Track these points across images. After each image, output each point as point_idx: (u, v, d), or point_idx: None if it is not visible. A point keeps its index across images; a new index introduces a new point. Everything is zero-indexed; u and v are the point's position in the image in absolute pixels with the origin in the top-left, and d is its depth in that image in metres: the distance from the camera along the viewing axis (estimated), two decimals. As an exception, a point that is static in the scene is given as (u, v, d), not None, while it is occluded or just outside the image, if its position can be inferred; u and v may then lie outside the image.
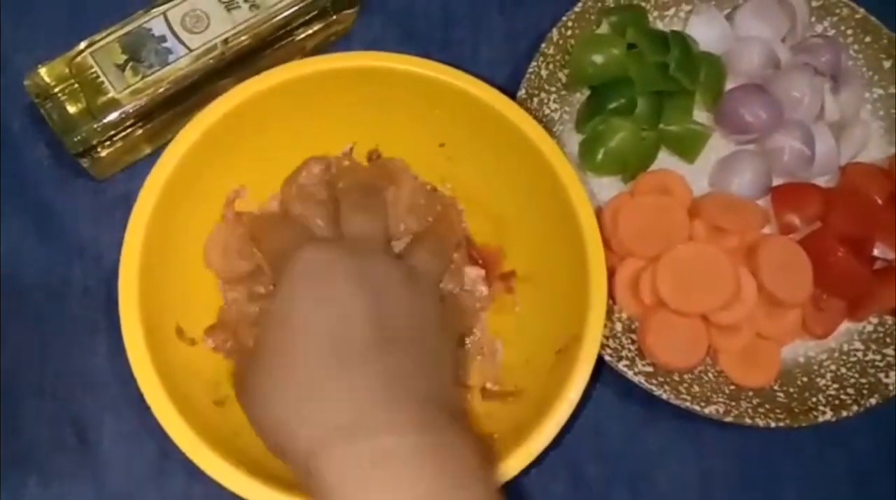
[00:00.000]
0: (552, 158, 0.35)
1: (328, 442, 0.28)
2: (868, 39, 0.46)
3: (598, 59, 0.43)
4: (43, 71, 0.37)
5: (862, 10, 0.46)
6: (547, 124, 0.42)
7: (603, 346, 0.38)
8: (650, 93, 0.43)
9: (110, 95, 0.37)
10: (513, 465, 0.31)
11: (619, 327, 0.40)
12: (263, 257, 0.37)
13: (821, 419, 0.40)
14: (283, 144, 0.38)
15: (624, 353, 0.40)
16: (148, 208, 0.33)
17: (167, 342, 0.33)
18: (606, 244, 0.36)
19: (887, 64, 0.46)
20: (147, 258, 0.33)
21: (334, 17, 0.42)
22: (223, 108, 0.35)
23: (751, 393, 0.40)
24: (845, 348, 0.43)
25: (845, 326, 0.43)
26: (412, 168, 0.40)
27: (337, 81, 0.36)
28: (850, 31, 0.46)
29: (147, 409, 0.37)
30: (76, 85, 0.37)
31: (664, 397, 0.39)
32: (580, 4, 0.44)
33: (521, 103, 0.41)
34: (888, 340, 0.42)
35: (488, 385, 0.38)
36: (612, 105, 0.42)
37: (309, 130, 0.38)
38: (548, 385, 0.33)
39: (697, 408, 0.39)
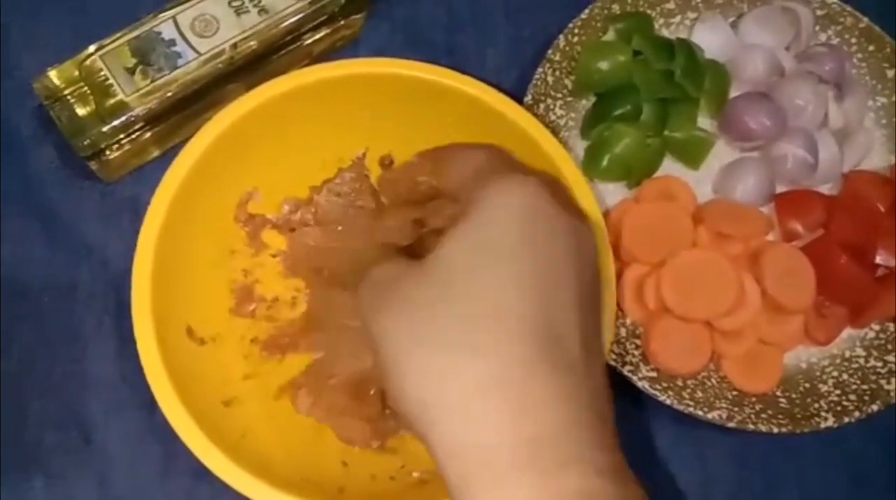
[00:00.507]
0: (562, 165, 0.36)
1: (514, 468, 0.21)
2: (872, 48, 0.46)
3: (603, 65, 0.43)
4: (52, 73, 0.38)
5: (866, 20, 0.46)
6: (553, 130, 0.42)
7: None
8: (655, 100, 0.43)
9: (119, 97, 0.38)
10: None
11: (623, 332, 0.41)
12: (447, 186, 0.30)
13: (823, 425, 0.40)
14: (295, 148, 0.38)
15: (628, 358, 0.40)
16: (162, 210, 0.33)
17: (177, 342, 0.34)
18: (612, 250, 0.36)
19: (890, 73, 0.46)
20: (159, 259, 0.33)
21: (342, 22, 0.42)
22: (238, 111, 0.35)
23: (753, 399, 0.41)
24: (847, 354, 0.43)
25: (847, 332, 0.43)
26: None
27: (350, 87, 0.37)
28: (853, 41, 0.47)
29: (153, 410, 0.38)
30: (85, 88, 0.38)
31: (667, 402, 0.39)
32: (586, 11, 0.44)
33: (528, 109, 0.41)
34: (889, 346, 0.43)
35: None
36: (618, 112, 0.43)
37: (321, 135, 0.38)
38: None
39: (700, 413, 0.39)
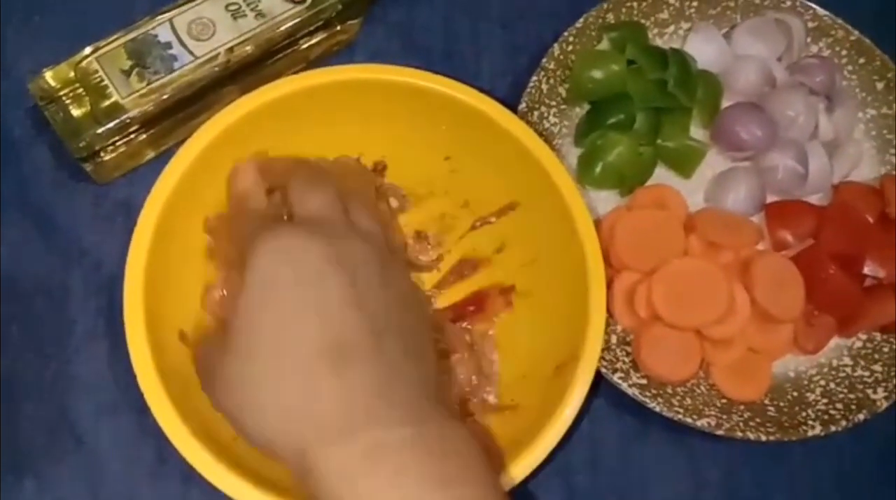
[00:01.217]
0: (554, 173, 0.36)
1: (323, 441, 0.27)
2: (862, 61, 0.47)
3: (597, 74, 0.43)
4: (48, 74, 0.38)
5: (857, 33, 0.47)
6: (546, 138, 0.42)
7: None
8: (648, 109, 0.43)
9: (115, 100, 0.38)
10: (508, 480, 0.32)
11: (613, 339, 0.41)
12: (224, 260, 0.35)
13: (810, 433, 0.40)
14: (289, 153, 0.38)
15: (618, 365, 0.40)
16: (154, 215, 0.33)
17: (170, 346, 0.34)
18: (603, 257, 0.36)
19: (880, 85, 0.47)
20: (152, 264, 0.33)
21: (339, 27, 0.42)
22: (231, 117, 0.35)
23: (742, 407, 0.41)
24: (835, 363, 0.43)
25: (835, 342, 0.44)
26: (412, 179, 0.41)
27: (343, 93, 0.37)
28: (844, 53, 0.47)
29: (144, 413, 0.37)
30: (81, 89, 0.38)
31: (657, 409, 0.39)
32: (581, 20, 0.44)
33: (522, 117, 0.41)
34: (877, 356, 0.43)
35: (488, 399, 0.38)
36: (611, 120, 0.43)
37: (315, 141, 0.38)
38: (545, 401, 0.34)
39: (690, 421, 0.39)
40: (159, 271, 0.33)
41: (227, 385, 0.30)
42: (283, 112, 0.36)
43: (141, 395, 0.32)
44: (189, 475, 0.31)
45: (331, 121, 0.38)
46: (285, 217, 0.34)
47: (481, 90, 0.37)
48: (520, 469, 0.32)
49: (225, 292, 0.36)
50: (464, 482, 0.27)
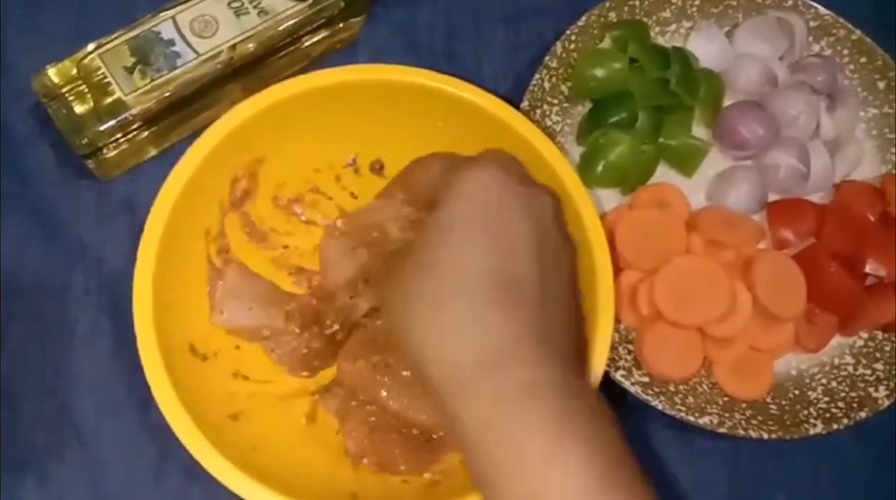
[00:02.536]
0: (559, 169, 0.36)
1: (481, 366, 0.28)
2: (863, 60, 0.47)
3: (599, 72, 0.44)
4: (51, 71, 0.38)
5: (858, 32, 0.47)
6: (548, 136, 0.42)
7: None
8: (650, 107, 0.43)
9: (117, 96, 0.38)
10: None
11: (615, 337, 0.41)
12: (413, 196, 0.37)
13: (812, 431, 0.40)
14: (287, 154, 0.38)
15: (621, 363, 0.40)
16: (156, 237, 0.33)
17: (181, 360, 0.34)
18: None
19: (881, 84, 0.47)
20: (160, 278, 0.33)
21: (341, 25, 0.42)
22: (231, 123, 0.35)
23: (744, 405, 0.41)
24: (836, 362, 0.43)
25: (836, 340, 0.44)
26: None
27: (341, 94, 0.37)
28: (846, 52, 0.47)
29: (146, 410, 0.38)
30: (84, 86, 0.38)
31: (659, 407, 0.39)
32: (583, 18, 0.45)
33: (524, 115, 0.41)
34: (878, 355, 0.43)
35: None
36: (613, 119, 0.43)
37: (313, 141, 0.38)
38: None
39: (692, 419, 0.39)
40: (167, 287, 0.33)
41: (405, 300, 0.30)
42: (284, 114, 0.36)
43: (143, 391, 0.32)
44: (191, 471, 0.31)
45: (326, 123, 0.38)
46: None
47: (483, 89, 0.37)
48: None
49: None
50: (596, 433, 0.28)
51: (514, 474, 0.27)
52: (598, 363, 0.34)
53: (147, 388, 0.32)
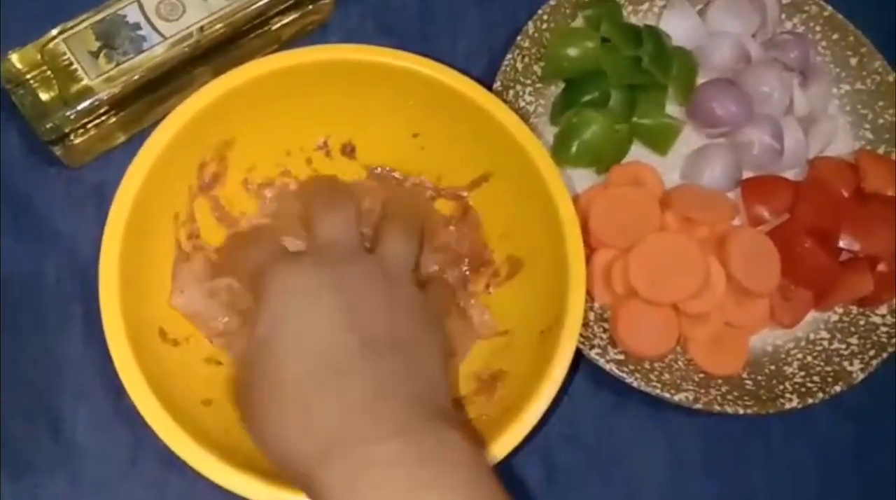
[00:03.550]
0: (528, 146, 0.36)
1: (323, 456, 0.28)
2: (836, 37, 0.47)
3: (572, 52, 0.43)
4: (14, 57, 0.37)
5: (830, 8, 0.47)
6: (522, 117, 0.42)
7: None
8: (624, 86, 0.43)
9: (83, 82, 0.37)
10: (503, 446, 0.32)
11: (591, 315, 0.41)
12: (239, 281, 0.37)
13: (787, 406, 0.41)
14: (257, 136, 0.38)
15: (596, 341, 0.40)
16: (122, 220, 0.33)
17: (151, 345, 0.33)
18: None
19: (854, 61, 0.47)
20: (126, 262, 0.32)
21: (311, 7, 0.42)
22: (199, 103, 0.34)
23: (720, 381, 0.41)
24: (811, 337, 0.44)
25: (812, 315, 0.44)
26: (381, 158, 0.40)
27: (309, 75, 0.36)
28: (818, 28, 0.47)
29: (121, 398, 0.37)
30: (49, 72, 0.37)
31: (635, 384, 0.40)
32: (555, -2, 0.44)
33: (497, 95, 0.41)
34: (853, 329, 0.44)
35: (480, 372, 0.38)
36: (587, 98, 0.43)
37: (282, 124, 0.38)
38: (532, 366, 0.34)
39: (668, 395, 0.40)
40: (134, 270, 0.33)
41: (249, 417, 0.32)
42: (253, 95, 0.36)
43: (117, 379, 0.31)
44: (167, 459, 0.31)
45: (295, 105, 0.37)
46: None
47: (457, 69, 0.37)
48: (515, 433, 0.32)
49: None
50: (454, 486, 0.27)
51: None
52: (568, 348, 0.34)
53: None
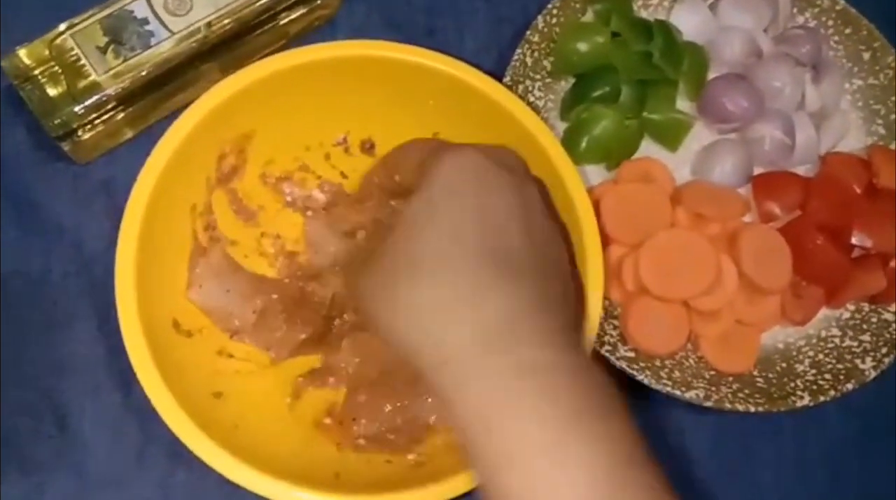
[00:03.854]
0: (546, 144, 0.36)
1: (473, 351, 0.26)
2: (848, 31, 0.47)
3: (582, 47, 0.43)
4: (22, 52, 0.37)
5: (842, 2, 0.46)
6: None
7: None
8: (634, 81, 0.43)
9: (91, 77, 0.37)
10: None
11: (601, 312, 0.41)
12: (401, 177, 0.36)
13: (799, 403, 0.40)
14: (277, 130, 0.38)
15: (606, 338, 0.40)
16: (141, 208, 0.33)
17: (165, 336, 0.33)
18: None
19: (866, 55, 0.47)
20: (142, 253, 0.32)
21: (318, 2, 0.42)
22: (217, 98, 0.34)
23: (731, 378, 0.41)
24: (823, 334, 0.43)
25: (823, 313, 0.43)
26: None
27: (330, 71, 0.36)
28: (830, 23, 0.47)
29: (128, 392, 0.37)
30: (56, 67, 0.37)
31: (645, 382, 0.39)
32: (565, -8, 0.44)
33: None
34: (864, 326, 0.43)
35: None
36: (597, 93, 0.43)
37: (301, 119, 0.38)
38: None
39: (678, 393, 0.39)
40: (150, 262, 0.33)
41: (374, 285, 0.29)
42: (268, 92, 0.36)
43: (124, 373, 0.32)
44: (175, 453, 0.31)
45: (315, 100, 0.37)
46: None
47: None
48: None
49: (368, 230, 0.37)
50: (607, 415, 0.26)
51: (515, 467, 0.25)
52: (587, 343, 0.34)
53: (129, 371, 0.31)
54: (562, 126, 0.44)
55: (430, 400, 0.36)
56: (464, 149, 0.31)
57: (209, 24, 0.38)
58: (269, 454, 0.31)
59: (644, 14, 0.46)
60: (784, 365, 0.42)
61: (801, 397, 0.40)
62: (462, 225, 0.28)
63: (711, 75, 0.45)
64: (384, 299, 0.29)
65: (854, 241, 0.43)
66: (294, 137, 0.39)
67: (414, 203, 0.29)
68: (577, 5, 0.44)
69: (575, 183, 0.35)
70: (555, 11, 0.44)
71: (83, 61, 0.37)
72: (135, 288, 0.32)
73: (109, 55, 0.37)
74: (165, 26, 0.38)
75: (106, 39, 0.37)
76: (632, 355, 0.40)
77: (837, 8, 0.46)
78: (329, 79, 0.37)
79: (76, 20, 0.37)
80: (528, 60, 0.43)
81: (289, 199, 0.40)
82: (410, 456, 0.35)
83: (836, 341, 0.43)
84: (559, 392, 0.26)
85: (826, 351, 0.43)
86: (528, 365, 0.26)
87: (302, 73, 0.36)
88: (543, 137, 0.36)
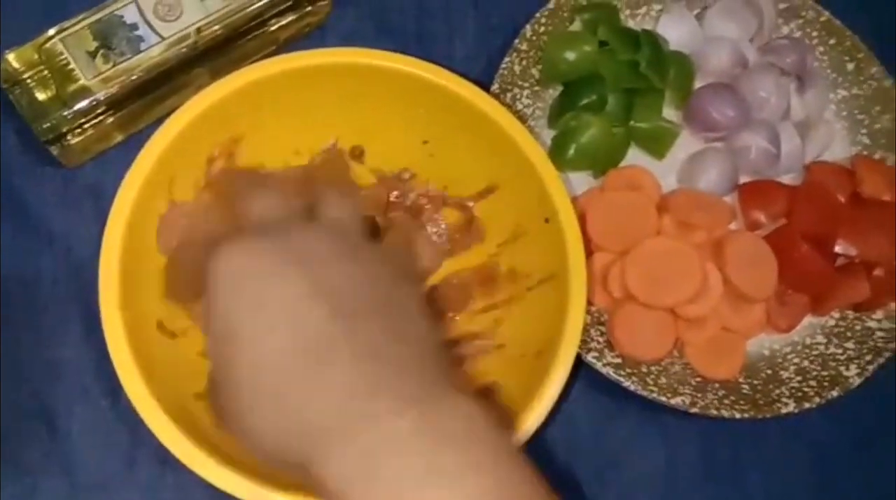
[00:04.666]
0: (532, 156, 0.36)
1: (320, 448, 0.25)
2: (832, 42, 0.47)
3: (570, 55, 0.43)
4: (11, 57, 0.37)
5: (827, 13, 0.47)
6: (520, 120, 0.42)
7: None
8: (621, 90, 0.43)
9: (81, 82, 0.37)
10: None
11: (587, 319, 0.41)
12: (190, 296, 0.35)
13: (784, 410, 0.41)
14: (266, 133, 0.38)
15: (592, 345, 0.40)
16: (127, 205, 0.33)
17: (148, 337, 0.33)
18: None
19: (851, 66, 0.47)
20: (126, 254, 0.32)
21: (309, 8, 0.42)
22: (205, 102, 0.34)
23: (716, 385, 0.41)
24: (808, 341, 0.44)
25: (808, 320, 0.44)
26: (390, 163, 0.40)
27: (319, 77, 0.36)
28: (815, 34, 0.47)
29: (117, 397, 0.37)
30: (46, 72, 0.37)
31: (632, 388, 0.39)
32: (553, 1, 0.44)
33: (495, 99, 0.41)
34: (849, 334, 0.44)
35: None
36: (584, 102, 0.43)
37: (293, 122, 0.38)
38: (526, 384, 0.33)
39: (664, 399, 0.40)
40: (134, 263, 0.33)
41: (228, 419, 0.28)
42: (258, 96, 0.36)
43: (114, 378, 0.31)
44: (164, 458, 0.31)
45: (306, 105, 0.37)
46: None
47: (455, 72, 0.37)
48: None
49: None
50: (475, 469, 0.25)
51: None
52: (569, 355, 0.34)
53: (117, 376, 0.31)
54: (550, 134, 0.44)
55: None
56: (226, 254, 0.28)
57: (199, 30, 0.38)
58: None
59: (631, 24, 0.47)
60: (769, 372, 0.43)
61: (787, 404, 0.41)
62: (254, 337, 0.27)
63: (698, 85, 0.45)
64: (234, 422, 0.28)
65: (838, 249, 0.44)
66: (284, 140, 0.39)
67: (213, 323, 0.28)
68: (565, 14, 0.45)
69: (559, 192, 0.36)
70: (543, 20, 0.44)
71: (73, 66, 0.37)
72: (118, 290, 0.32)
73: (99, 60, 0.37)
74: (155, 31, 0.38)
75: (96, 44, 0.37)
76: (618, 361, 0.40)
77: (822, 19, 0.47)
78: (319, 85, 0.37)
79: (66, 24, 0.38)
80: (517, 68, 0.44)
81: None
82: None
83: (821, 348, 0.43)
84: (409, 466, 0.24)
85: (811, 358, 0.43)
86: (368, 449, 0.25)
87: (291, 79, 0.36)
88: (527, 146, 0.36)
